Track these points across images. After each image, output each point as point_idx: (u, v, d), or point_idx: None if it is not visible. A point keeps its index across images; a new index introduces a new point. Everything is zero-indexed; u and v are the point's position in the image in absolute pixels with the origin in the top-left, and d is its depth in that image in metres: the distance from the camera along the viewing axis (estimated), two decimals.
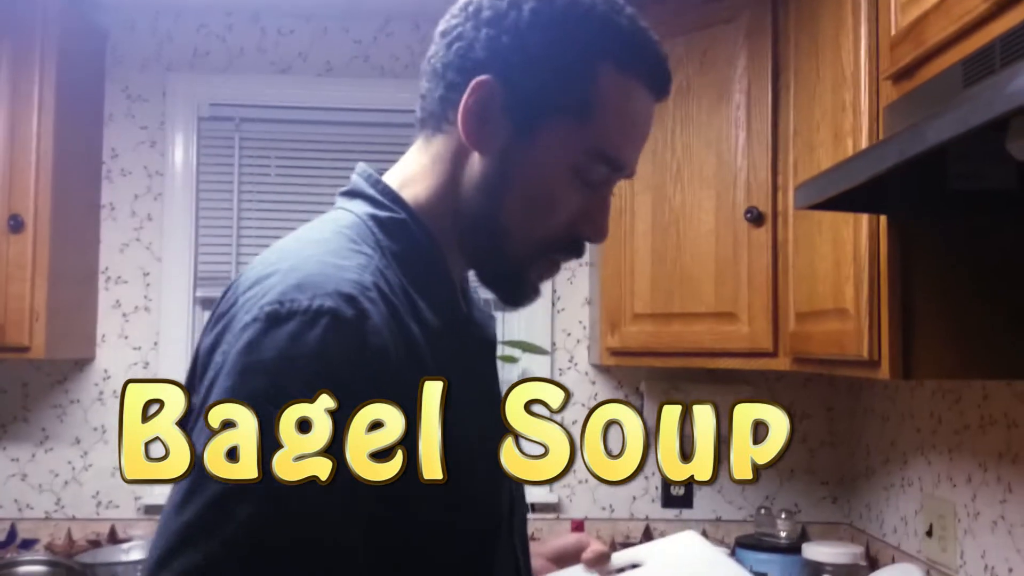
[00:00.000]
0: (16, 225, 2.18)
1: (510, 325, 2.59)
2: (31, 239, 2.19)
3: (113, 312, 2.53)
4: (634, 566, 1.21)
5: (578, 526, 2.49)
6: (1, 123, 2.21)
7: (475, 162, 0.90)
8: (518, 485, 1.02)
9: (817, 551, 2.22)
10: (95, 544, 2.46)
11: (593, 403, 2.55)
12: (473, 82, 0.88)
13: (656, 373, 2.51)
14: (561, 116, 0.88)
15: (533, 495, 2.51)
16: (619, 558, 1.20)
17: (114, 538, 2.47)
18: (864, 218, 1.58)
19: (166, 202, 2.55)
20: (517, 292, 0.95)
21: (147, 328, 2.54)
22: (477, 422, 0.88)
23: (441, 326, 0.88)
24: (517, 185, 0.89)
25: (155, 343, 2.53)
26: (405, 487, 0.76)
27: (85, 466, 2.50)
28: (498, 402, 0.98)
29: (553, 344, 2.58)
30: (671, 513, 2.56)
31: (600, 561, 1.14)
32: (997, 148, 1.11)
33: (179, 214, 2.54)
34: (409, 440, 0.75)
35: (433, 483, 0.77)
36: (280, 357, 0.73)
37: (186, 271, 2.54)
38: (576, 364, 2.59)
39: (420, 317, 0.85)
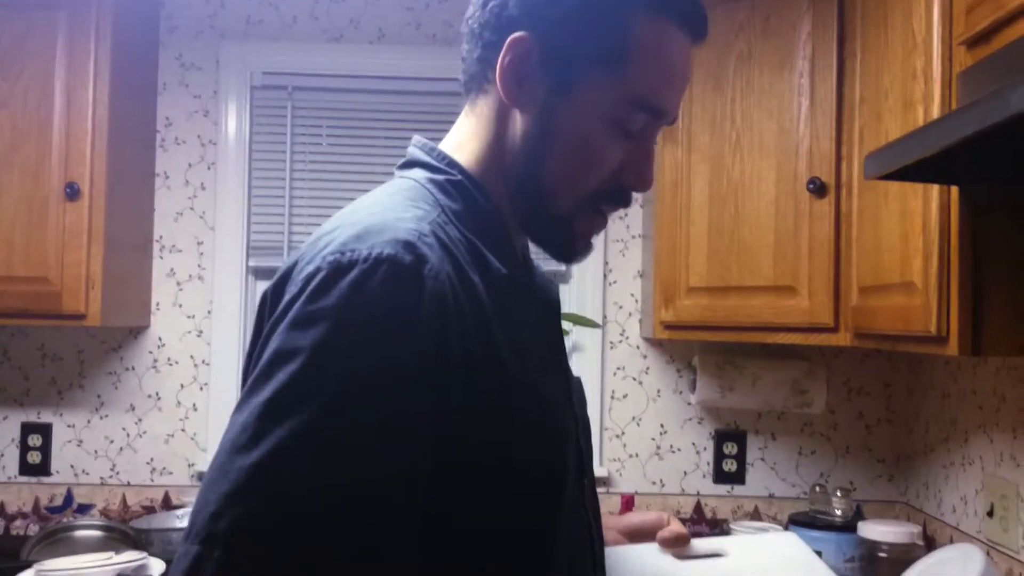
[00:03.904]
0: (72, 193, 2.20)
1: (561, 297, 2.56)
2: (87, 207, 2.21)
3: (167, 280, 2.55)
4: (716, 555, 1.15)
5: (628, 501, 2.47)
6: (58, 92, 2.23)
7: (517, 120, 0.91)
8: (589, 452, 1.01)
9: (873, 530, 2.18)
10: (149, 510, 2.50)
11: (647, 379, 2.54)
12: (509, 39, 0.89)
13: (709, 347, 2.48)
14: (597, 67, 0.88)
15: None
16: (701, 545, 1.14)
17: (168, 504, 2.50)
18: (934, 189, 1.53)
19: (219, 171, 2.55)
20: (567, 248, 0.96)
21: (201, 296, 2.55)
22: (541, 376, 0.89)
23: (507, 276, 0.88)
24: (558, 141, 0.90)
25: (208, 311, 2.55)
26: (468, 430, 0.78)
27: (139, 433, 2.53)
28: (563, 364, 0.99)
29: (604, 317, 2.56)
30: (723, 489, 2.54)
31: (677, 543, 1.10)
32: None
33: (232, 183, 2.55)
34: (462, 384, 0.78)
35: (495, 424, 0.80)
36: (341, 305, 0.75)
37: (239, 240, 2.55)
38: (627, 338, 2.56)
39: (484, 267, 0.86)
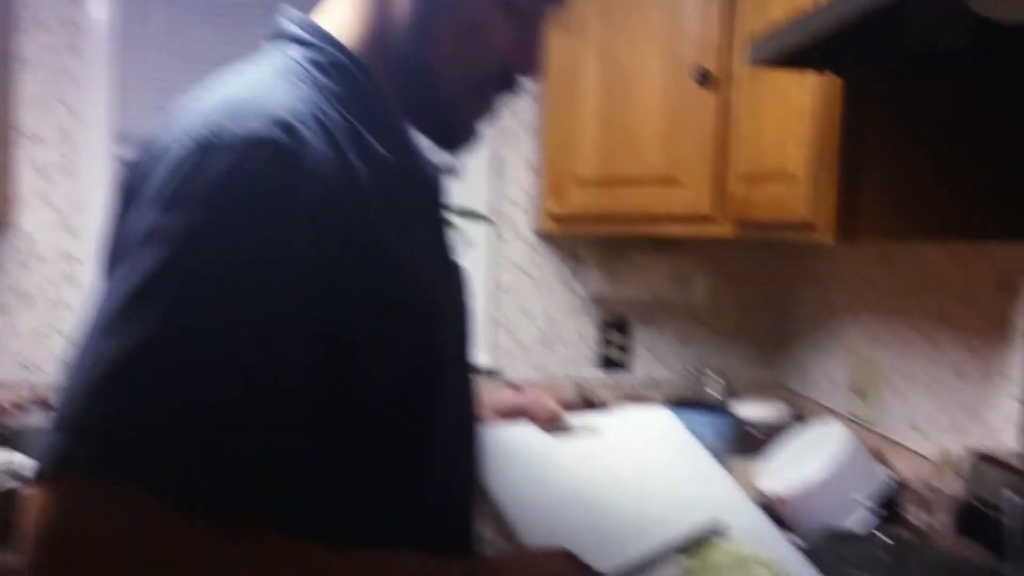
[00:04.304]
0: None
1: (447, 185, 2.53)
2: None
3: (32, 173, 2.41)
4: (591, 432, 1.16)
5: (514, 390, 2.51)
6: None
7: (402, 0, 0.88)
8: (470, 337, 1.01)
9: (746, 409, 2.28)
10: (20, 408, 2.41)
11: (536, 271, 2.55)
12: None
13: (597, 239, 2.50)
14: None
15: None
16: (576, 421, 1.16)
17: (39, 402, 2.42)
18: (815, 79, 1.55)
19: (85, 57, 2.40)
20: (453, 135, 0.94)
21: (68, 189, 2.43)
22: (422, 260, 0.88)
23: (390, 161, 0.86)
24: (445, 21, 0.87)
25: (77, 204, 2.43)
26: (348, 313, 0.77)
27: (9, 330, 2.42)
28: (446, 250, 0.97)
29: (494, 210, 2.54)
30: (608, 376, 2.60)
31: (552, 422, 1.13)
32: (958, 4, 1.08)
33: (99, 70, 2.40)
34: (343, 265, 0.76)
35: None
36: (215, 187, 0.72)
37: (108, 130, 2.42)
38: (518, 230, 2.56)
39: (364, 150, 0.83)
